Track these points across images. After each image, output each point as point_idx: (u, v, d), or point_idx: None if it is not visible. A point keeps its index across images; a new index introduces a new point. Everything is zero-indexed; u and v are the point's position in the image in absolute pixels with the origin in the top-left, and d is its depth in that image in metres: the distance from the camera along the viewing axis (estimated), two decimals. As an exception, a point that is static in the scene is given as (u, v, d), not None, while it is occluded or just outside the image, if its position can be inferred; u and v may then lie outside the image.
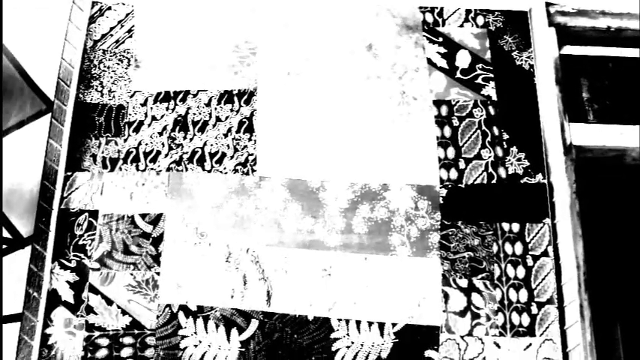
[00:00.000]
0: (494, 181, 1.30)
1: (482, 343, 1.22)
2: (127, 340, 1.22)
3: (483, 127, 1.33)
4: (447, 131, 1.32)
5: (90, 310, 1.23)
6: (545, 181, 1.30)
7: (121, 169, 1.29)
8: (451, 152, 1.31)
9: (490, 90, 1.35)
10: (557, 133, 1.34)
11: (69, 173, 1.29)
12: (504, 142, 1.32)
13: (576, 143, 1.36)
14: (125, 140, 1.31)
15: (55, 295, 1.24)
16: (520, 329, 1.23)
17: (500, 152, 1.31)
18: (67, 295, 1.24)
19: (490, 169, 1.30)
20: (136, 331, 1.22)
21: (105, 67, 1.34)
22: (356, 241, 1.25)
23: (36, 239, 1.26)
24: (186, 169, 1.29)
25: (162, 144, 1.30)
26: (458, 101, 1.34)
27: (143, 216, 1.27)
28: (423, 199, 1.28)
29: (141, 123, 1.31)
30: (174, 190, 1.27)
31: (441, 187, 1.28)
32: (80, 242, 1.26)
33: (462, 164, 1.30)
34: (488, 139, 1.32)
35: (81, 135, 1.31)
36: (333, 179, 1.28)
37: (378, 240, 1.25)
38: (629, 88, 1.42)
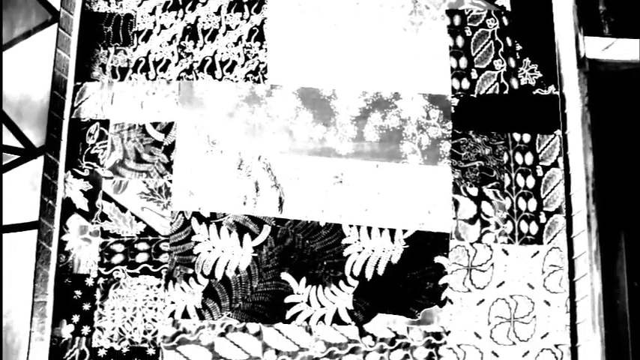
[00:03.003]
0: (506, 92, 1.29)
1: (491, 250, 1.24)
2: (142, 246, 1.24)
3: (496, 38, 1.31)
4: (460, 41, 1.30)
5: (104, 217, 1.25)
6: (558, 93, 1.29)
7: (130, 78, 1.28)
8: (463, 62, 1.29)
9: (504, 0, 1.32)
10: (571, 45, 1.33)
11: (78, 83, 1.28)
12: (517, 53, 1.30)
13: (590, 56, 1.34)
14: (134, 49, 1.29)
15: (69, 204, 1.25)
16: (528, 237, 1.25)
17: (512, 63, 1.30)
18: (82, 203, 1.25)
19: (502, 80, 1.29)
20: (150, 238, 1.24)
21: (111, -25, 1.32)
22: (367, 148, 1.26)
23: (48, 149, 1.26)
24: (197, 78, 1.28)
25: (172, 53, 1.29)
26: (471, 11, 1.31)
27: (154, 125, 1.27)
28: (435, 109, 1.27)
29: (150, 32, 1.30)
30: (185, 99, 1.27)
31: (452, 97, 1.28)
32: (92, 151, 1.26)
33: (474, 74, 1.29)
34: (501, 49, 1.30)
35: (89, 45, 1.29)
36: (345, 87, 1.27)
37: (389, 148, 1.26)
38: (645, 1, 1.39)
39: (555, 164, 1.27)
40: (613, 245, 1.31)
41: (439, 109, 1.27)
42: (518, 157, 1.27)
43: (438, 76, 1.28)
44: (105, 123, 1.27)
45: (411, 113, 1.27)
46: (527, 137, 1.28)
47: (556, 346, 1.22)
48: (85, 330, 1.22)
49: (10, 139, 1.29)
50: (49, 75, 1.28)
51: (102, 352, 1.21)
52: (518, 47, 1.31)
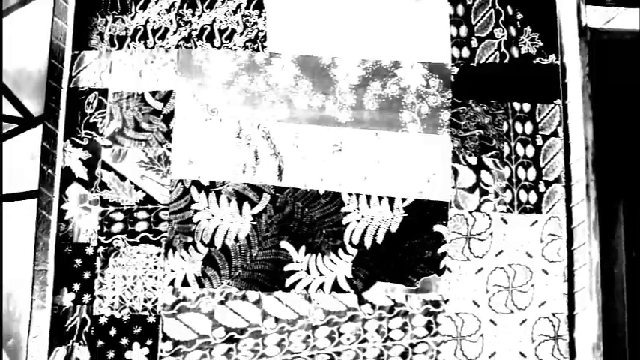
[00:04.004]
0: (506, 61, 1.28)
1: (490, 219, 1.24)
2: (141, 214, 1.24)
3: (497, 6, 1.30)
4: (460, 10, 1.29)
5: (104, 186, 1.25)
6: (558, 62, 1.29)
7: (129, 46, 1.27)
8: (464, 31, 1.28)
9: (505, -31, 1.31)
10: (572, 14, 1.32)
11: (76, 52, 1.27)
12: (518, 22, 1.29)
13: (592, 25, 1.33)
14: (132, 18, 1.28)
15: (68, 173, 1.25)
16: (527, 206, 1.25)
17: (513, 32, 1.29)
18: (81, 172, 1.25)
19: (503, 49, 1.28)
20: (150, 206, 1.24)
21: (108, -57, 1.30)
22: (367, 117, 1.25)
23: (47, 118, 1.26)
24: (196, 46, 1.27)
25: (171, 21, 1.28)
26: (472, -21, 1.30)
27: (153, 93, 1.26)
28: (435, 77, 1.27)
29: (147, 0, 1.29)
30: (183, 67, 1.26)
31: (452, 66, 1.27)
32: (91, 120, 1.26)
33: (474, 43, 1.28)
34: (502, 18, 1.29)
35: (86, 13, 1.28)
36: (344, 56, 1.26)
37: (389, 116, 1.25)
38: (648, -30, 1.38)
39: (555, 134, 1.27)
40: (612, 215, 1.32)
41: (439, 77, 1.27)
42: (518, 127, 1.27)
43: (438, 44, 1.27)
44: (103, 92, 1.26)
45: (410, 82, 1.26)
46: (527, 106, 1.27)
47: (553, 314, 1.22)
48: (86, 298, 1.22)
49: (8, 109, 1.29)
50: (47, 44, 1.27)
51: (103, 320, 1.22)
52: (519, 16, 1.29)
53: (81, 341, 1.21)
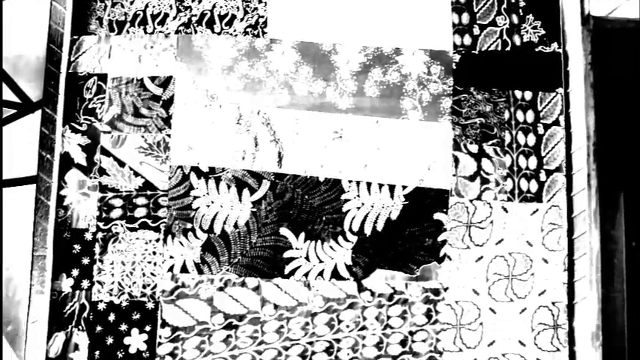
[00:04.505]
0: (508, 49, 1.27)
1: (491, 207, 1.24)
2: (140, 200, 1.24)
3: (500, -6, 1.29)
4: (463, -4, 1.28)
5: (102, 172, 1.24)
6: (561, 51, 1.28)
7: (128, 32, 1.26)
8: (465, 18, 1.27)
9: (508, -45, 1.30)
10: (575, 2, 1.31)
11: (75, 37, 1.26)
12: (520, 10, 1.28)
13: (595, 14, 1.32)
14: (131, 2, 1.27)
15: (67, 158, 1.24)
16: (528, 195, 1.24)
17: (515, 20, 1.28)
18: (80, 157, 1.24)
19: (505, 37, 1.27)
20: (149, 192, 1.23)
21: None
22: (368, 104, 1.25)
23: (46, 103, 1.25)
24: (196, 32, 1.26)
25: (170, 6, 1.27)
26: (474, -34, 1.29)
27: (152, 79, 1.25)
28: (436, 64, 1.26)
29: (147, -15, 1.28)
30: (183, 53, 1.26)
31: (454, 53, 1.26)
32: (90, 106, 1.25)
33: (476, 30, 1.27)
34: (504, 5, 1.28)
35: (85, -3, 1.27)
36: (345, 42, 1.26)
37: (389, 104, 1.25)
38: (652, -42, 1.36)
39: (556, 122, 1.26)
40: (612, 204, 1.31)
41: (440, 65, 1.26)
42: (520, 115, 1.26)
43: (439, 31, 1.27)
44: (102, 77, 1.26)
45: (411, 69, 1.26)
46: (528, 95, 1.26)
47: (553, 303, 1.22)
48: (85, 284, 1.22)
49: (7, 94, 1.28)
50: (45, 29, 1.26)
51: (101, 306, 1.22)
52: (522, 3, 1.29)
53: (80, 327, 1.21)
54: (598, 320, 1.23)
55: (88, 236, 1.23)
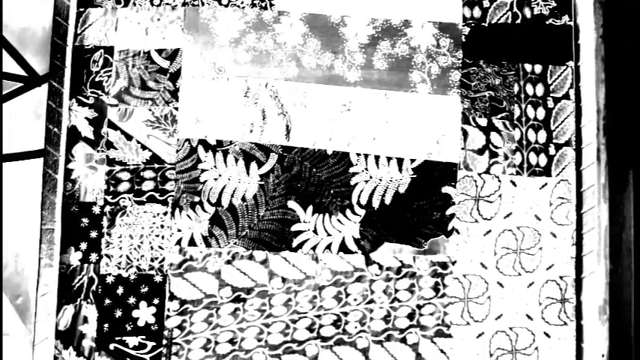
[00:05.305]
0: (518, 22, 1.26)
1: (499, 181, 1.23)
2: (148, 174, 1.23)
3: (510, -35, 1.27)
4: (472, -32, 1.27)
5: (110, 145, 1.24)
6: (572, 23, 1.26)
7: (135, 4, 1.25)
8: (476, -10, 1.26)
9: None
10: (586, -26, 1.29)
11: (81, 9, 1.25)
12: (531, -18, 1.27)
13: (605, -14, 1.31)
14: (138, -26, 1.26)
15: (74, 132, 1.24)
16: (537, 169, 1.24)
17: (526, -8, 1.27)
18: (87, 131, 1.24)
19: (515, 9, 1.26)
20: (157, 165, 1.23)
21: None
22: (376, 77, 1.24)
23: (52, 76, 1.25)
24: (203, 4, 1.25)
25: (177, -22, 1.26)
26: (485, -63, 1.27)
27: (160, 52, 1.25)
28: (445, 37, 1.25)
29: (154, -44, 1.26)
30: (190, 26, 1.25)
31: (463, 26, 1.25)
32: (97, 79, 1.25)
33: (485, 2, 1.26)
34: (515, -23, 1.27)
35: (92, -31, 1.26)
36: (354, 14, 1.24)
37: (398, 76, 1.24)
38: None
39: (566, 96, 1.25)
40: (621, 179, 1.30)
41: (449, 37, 1.25)
42: (529, 88, 1.25)
43: (449, 4, 1.25)
44: (109, 50, 1.25)
45: (420, 41, 1.24)
46: (538, 68, 1.25)
47: (561, 277, 1.22)
48: (93, 257, 1.22)
49: (13, 67, 1.28)
50: (52, 1, 1.25)
51: (110, 279, 1.22)
52: (532, -25, 1.27)
53: (88, 300, 1.22)
54: (605, 295, 1.22)
55: (96, 210, 1.23)
